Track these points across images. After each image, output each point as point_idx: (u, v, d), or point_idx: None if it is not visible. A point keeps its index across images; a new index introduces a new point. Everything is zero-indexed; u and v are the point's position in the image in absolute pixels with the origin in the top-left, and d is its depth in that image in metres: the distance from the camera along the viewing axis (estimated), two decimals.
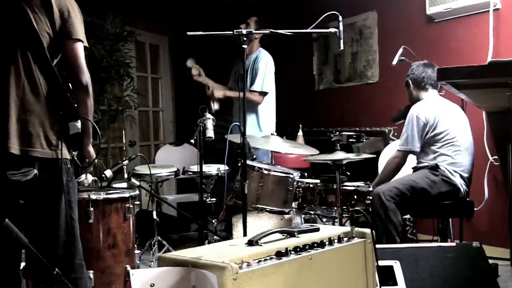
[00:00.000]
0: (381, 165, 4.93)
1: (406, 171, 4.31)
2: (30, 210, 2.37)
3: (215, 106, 5.15)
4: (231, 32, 3.12)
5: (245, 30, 3.13)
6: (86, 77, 2.46)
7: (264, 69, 5.12)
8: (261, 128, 5.09)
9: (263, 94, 5.12)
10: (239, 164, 3.46)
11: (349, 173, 4.19)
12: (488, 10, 4.75)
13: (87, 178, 3.04)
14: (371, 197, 3.89)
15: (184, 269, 1.92)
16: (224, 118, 4.98)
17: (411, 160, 4.25)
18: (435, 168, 3.98)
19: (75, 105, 2.41)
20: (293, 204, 4.16)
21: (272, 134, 4.50)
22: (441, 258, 3.23)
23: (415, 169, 4.17)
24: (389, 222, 3.78)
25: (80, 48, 2.46)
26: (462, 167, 3.99)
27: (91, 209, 3.22)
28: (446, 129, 4.02)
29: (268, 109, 5.20)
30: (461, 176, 3.97)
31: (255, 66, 5.15)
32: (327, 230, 2.39)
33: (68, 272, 2.32)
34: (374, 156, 4.54)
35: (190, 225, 6.23)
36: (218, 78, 5.42)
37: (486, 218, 4.87)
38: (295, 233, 2.25)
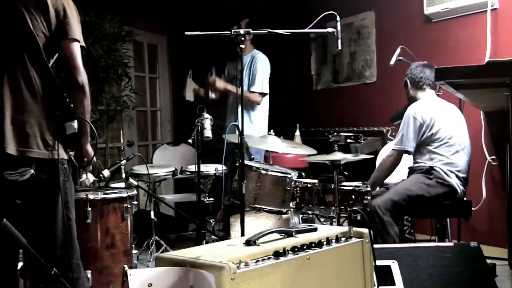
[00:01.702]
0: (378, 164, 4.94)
1: (403, 171, 4.31)
2: (27, 210, 2.37)
3: (212, 95, 5.15)
4: (229, 32, 3.12)
5: (242, 30, 3.13)
6: (83, 76, 2.45)
7: (263, 71, 5.15)
8: (253, 126, 5.08)
9: (263, 95, 5.15)
10: (237, 164, 3.46)
11: (347, 173, 4.18)
12: (486, 10, 4.75)
13: (88, 178, 3.03)
14: (368, 209, 3.89)
15: (182, 269, 1.92)
16: (218, 117, 4.98)
17: (408, 160, 4.25)
18: (429, 171, 3.97)
19: (72, 105, 2.40)
20: (291, 204, 4.15)
21: (269, 134, 4.50)
22: (439, 258, 3.23)
23: (411, 169, 4.17)
24: (386, 235, 3.78)
25: (76, 48, 2.46)
26: (458, 167, 3.99)
27: (89, 209, 3.21)
28: (442, 129, 4.01)
29: (261, 109, 5.21)
30: (457, 176, 3.97)
31: (253, 68, 5.16)
32: (325, 230, 2.39)
33: (66, 272, 2.31)
34: (372, 156, 4.54)
35: (188, 225, 6.23)
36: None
37: (484, 218, 4.87)
38: (293, 233, 2.26)
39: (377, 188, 4.13)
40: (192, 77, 5.27)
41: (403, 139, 4.06)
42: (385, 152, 4.82)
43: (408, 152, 4.07)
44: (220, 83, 5.17)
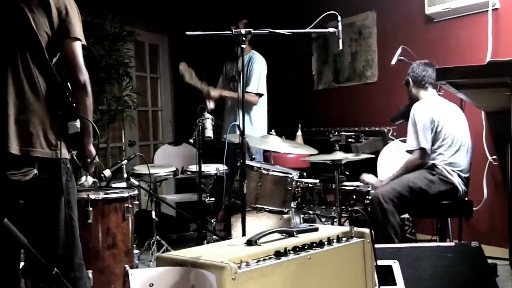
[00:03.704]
0: (380, 164, 4.94)
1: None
2: (30, 210, 2.37)
3: (211, 105, 5.14)
4: (230, 32, 3.12)
5: (243, 30, 3.13)
6: (84, 76, 2.45)
7: (259, 71, 5.14)
8: (254, 127, 5.09)
9: (259, 95, 5.13)
10: (238, 164, 3.46)
11: (348, 173, 4.18)
12: (487, 10, 4.74)
13: (88, 180, 3.03)
14: (370, 199, 3.90)
15: (183, 269, 1.92)
16: (218, 117, 4.98)
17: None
18: (432, 167, 3.98)
19: (74, 104, 2.40)
20: (292, 204, 4.16)
21: (270, 134, 4.50)
22: (440, 258, 3.24)
23: None
24: (387, 224, 3.79)
25: (78, 47, 2.46)
26: (460, 167, 3.99)
27: (90, 209, 3.22)
28: (444, 129, 4.02)
29: (260, 110, 5.21)
30: (459, 176, 3.97)
31: (250, 68, 5.15)
32: (326, 230, 2.39)
33: (68, 272, 2.32)
34: (373, 156, 4.53)
35: (189, 225, 6.23)
36: (215, 77, 5.45)
37: (485, 218, 4.87)
38: (294, 233, 2.26)
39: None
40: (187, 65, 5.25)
41: (419, 138, 4.02)
42: (387, 153, 4.83)
43: (423, 150, 4.02)
44: (215, 92, 5.17)
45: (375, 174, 4.93)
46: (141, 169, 4.99)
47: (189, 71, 5.16)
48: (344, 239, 2.38)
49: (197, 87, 5.17)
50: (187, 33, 3.06)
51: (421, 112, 4.06)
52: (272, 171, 4.16)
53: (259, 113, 5.22)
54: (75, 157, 2.49)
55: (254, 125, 5.12)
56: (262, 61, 5.22)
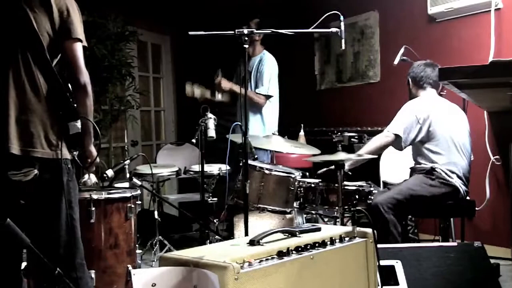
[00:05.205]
0: (383, 165, 4.94)
1: (404, 171, 4.30)
2: (31, 210, 2.37)
3: (219, 96, 5.14)
4: (233, 32, 3.11)
5: (246, 30, 3.12)
6: (85, 77, 2.45)
7: (270, 72, 5.13)
8: (266, 128, 5.10)
9: (268, 97, 5.13)
10: (241, 164, 3.46)
11: (350, 173, 4.18)
12: (490, 10, 4.75)
13: (90, 178, 3.03)
14: (370, 208, 3.87)
15: (186, 268, 1.92)
16: (226, 117, 4.99)
17: (409, 161, 4.25)
18: (430, 172, 3.96)
19: (75, 105, 2.41)
20: (295, 204, 4.15)
21: (273, 134, 4.50)
22: (443, 258, 3.23)
23: (412, 170, 4.16)
24: (389, 234, 3.77)
25: (79, 48, 2.46)
26: (458, 166, 3.97)
27: (93, 208, 3.22)
28: (441, 128, 4.00)
29: (272, 110, 5.21)
30: (458, 176, 3.95)
31: (260, 69, 5.15)
32: (329, 230, 2.39)
33: (69, 271, 2.32)
34: (376, 156, 4.53)
35: (192, 225, 6.23)
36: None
37: (487, 218, 4.86)
38: (297, 233, 2.26)
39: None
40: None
41: (398, 124, 4.05)
42: (390, 152, 4.82)
43: (397, 136, 4.04)
44: (226, 84, 5.15)
45: (377, 174, 4.94)
46: (144, 169, 5.00)
47: (200, 92, 5.16)
48: (346, 239, 2.38)
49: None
50: (190, 33, 3.06)
51: (410, 106, 4.08)
52: (275, 171, 4.15)
53: (271, 114, 5.21)
54: (76, 158, 2.50)
55: (266, 126, 5.12)
56: (272, 62, 5.19)
